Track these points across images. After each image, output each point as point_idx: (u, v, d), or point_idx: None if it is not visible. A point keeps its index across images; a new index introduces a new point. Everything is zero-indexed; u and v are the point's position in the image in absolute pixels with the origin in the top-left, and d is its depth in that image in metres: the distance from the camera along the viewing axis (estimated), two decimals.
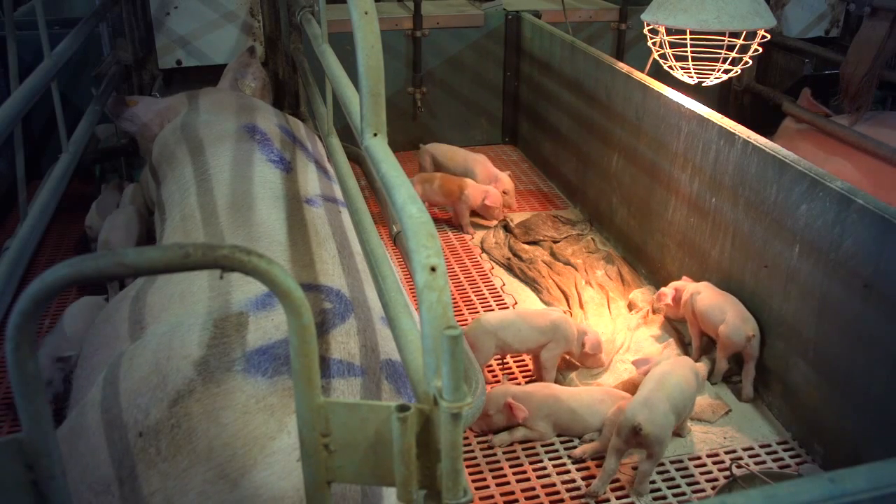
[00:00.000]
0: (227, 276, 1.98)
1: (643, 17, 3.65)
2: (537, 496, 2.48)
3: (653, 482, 2.52)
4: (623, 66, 3.84)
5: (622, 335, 3.17)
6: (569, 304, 3.40)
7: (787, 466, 2.60)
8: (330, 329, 1.84)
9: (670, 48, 3.65)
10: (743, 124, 3.04)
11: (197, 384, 1.65)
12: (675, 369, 2.61)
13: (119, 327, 2.08)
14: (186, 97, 3.45)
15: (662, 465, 2.59)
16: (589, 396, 2.72)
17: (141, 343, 1.88)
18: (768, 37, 3.63)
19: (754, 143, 2.86)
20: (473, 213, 4.19)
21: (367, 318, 1.97)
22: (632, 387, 2.78)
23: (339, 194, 2.79)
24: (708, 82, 3.71)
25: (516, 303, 3.53)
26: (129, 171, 4.16)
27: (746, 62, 3.60)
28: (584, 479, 2.54)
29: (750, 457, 2.64)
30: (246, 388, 1.64)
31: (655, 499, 2.46)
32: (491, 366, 3.07)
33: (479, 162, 4.37)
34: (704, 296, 2.97)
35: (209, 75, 4.06)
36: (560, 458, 2.63)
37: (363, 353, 1.83)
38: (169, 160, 3.02)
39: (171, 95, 3.56)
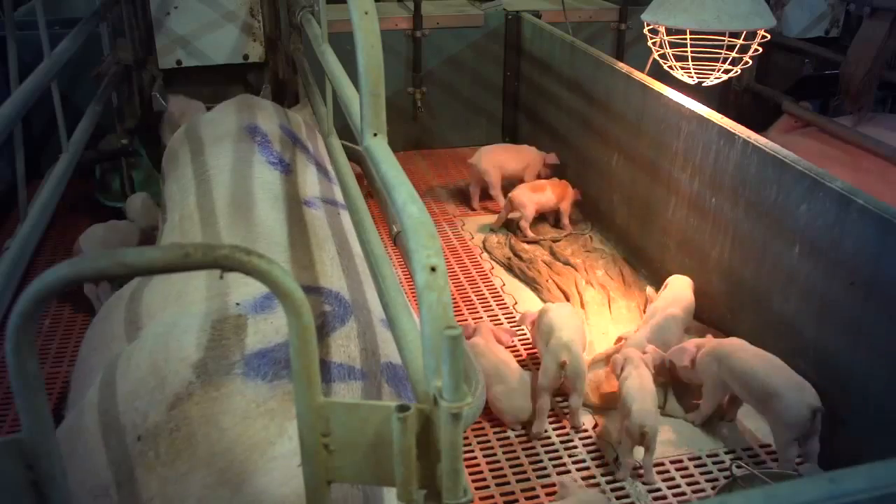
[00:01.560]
0: (224, 277, 1.98)
1: (643, 17, 3.65)
2: (537, 496, 2.48)
3: (653, 482, 2.52)
4: (623, 66, 3.84)
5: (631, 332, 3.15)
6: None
7: None
8: (330, 332, 1.83)
9: (670, 48, 3.65)
10: (743, 124, 3.04)
11: (196, 387, 1.64)
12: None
13: (115, 327, 2.07)
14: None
15: (662, 464, 2.59)
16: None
17: (137, 344, 1.86)
18: (768, 37, 3.63)
19: (754, 143, 2.86)
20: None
21: (366, 320, 1.96)
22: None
23: (338, 195, 2.78)
24: (708, 82, 3.71)
25: (516, 302, 3.53)
26: (129, 171, 4.16)
27: (746, 62, 3.59)
28: (584, 478, 2.54)
29: (750, 457, 2.64)
30: (246, 393, 1.63)
31: (655, 499, 2.46)
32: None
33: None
34: (741, 355, 2.57)
35: (209, 75, 4.06)
36: (560, 457, 2.63)
37: (363, 357, 1.82)
38: (173, 160, 3.03)
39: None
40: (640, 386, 2.59)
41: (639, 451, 2.54)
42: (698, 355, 2.69)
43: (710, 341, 2.74)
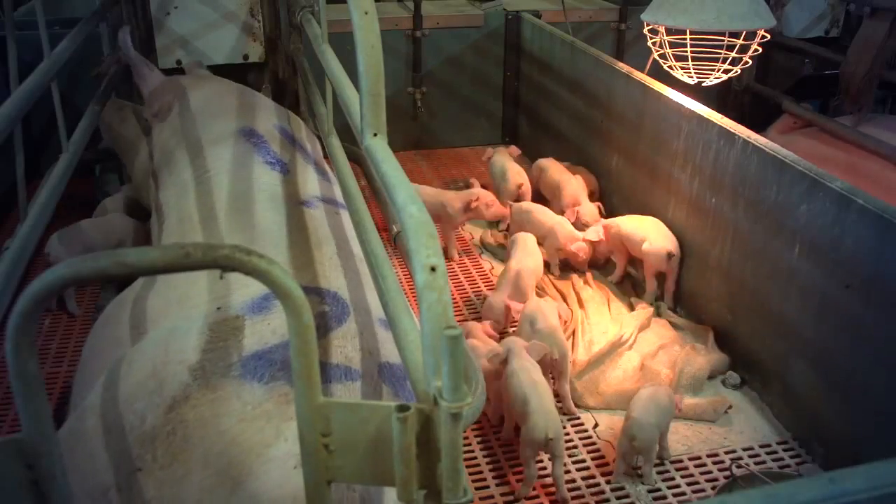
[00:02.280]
0: (224, 279, 1.98)
1: (643, 17, 3.65)
2: (537, 496, 2.48)
3: (653, 482, 2.52)
4: (623, 66, 3.84)
5: (629, 330, 3.15)
6: (567, 303, 3.40)
7: (787, 466, 2.60)
8: (327, 332, 1.83)
9: (670, 48, 3.65)
10: (743, 124, 3.04)
11: (192, 390, 1.64)
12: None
13: (119, 331, 2.07)
14: (178, 93, 3.42)
15: (662, 464, 2.59)
16: None
17: (138, 347, 1.87)
18: (768, 37, 3.63)
19: (754, 143, 2.86)
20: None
21: (364, 320, 1.96)
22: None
23: (338, 195, 2.78)
24: (708, 82, 3.71)
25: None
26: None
27: (746, 62, 3.59)
28: (583, 479, 2.54)
29: (750, 457, 2.64)
30: (242, 395, 1.63)
31: (655, 499, 2.46)
32: None
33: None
34: (628, 222, 3.47)
35: None
36: None
37: (361, 357, 1.81)
38: (167, 162, 3.02)
39: (165, 81, 3.54)
40: (649, 395, 2.58)
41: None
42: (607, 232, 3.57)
43: (611, 220, 3.59)
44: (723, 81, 3.76)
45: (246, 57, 4.12)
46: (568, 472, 2.57)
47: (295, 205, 2.50)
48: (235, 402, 1.61)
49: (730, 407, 2.82)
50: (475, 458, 2.63)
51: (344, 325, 1.87)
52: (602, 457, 2.63)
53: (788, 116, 4.49)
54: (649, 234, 3.36)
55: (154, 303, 2.08)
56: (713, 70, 3.63)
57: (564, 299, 3.44)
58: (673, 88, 3.47)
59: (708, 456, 2.64)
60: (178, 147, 3.02)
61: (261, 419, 1.59)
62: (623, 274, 3.58)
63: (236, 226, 2.36)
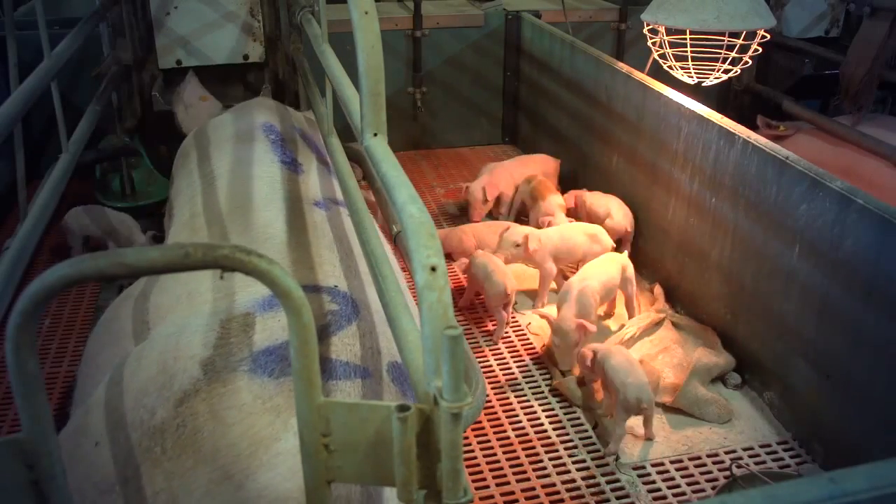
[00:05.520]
0: (233, 276, 1.98)
1: (643, 17, 3.65)
2: (537, 496, 2.48)
3: (653, 482, 2.52)
4: (623, 66, 3.84)
5: (631, 330, 3.15)
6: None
7: (787, 466, 2.60)
8: (337, 331, 1.85)
9: (670, 48, 3.65)
10: (743, 124, 3.04)
11: (203, 384, 1.65)
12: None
13: (124, 327, 2.08)
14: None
15: (662, 464, 2.59)
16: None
17: (147, 344, 1.88)
18: (768, 37, 3.63)
19: (754, 143, 2.86)
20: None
21: (373, 320, 1.97)
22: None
23: None
24: (708, 82, 3.71)
25: (516, 302, 3.52)
26: (129, 171, 4.16)
27: (746, 62, 3.60)
28: (583, 479, 2.54)
29: (750, 457, 2.64)
30: (252, 389, 1.64)
31: (655, 499, 2.46)
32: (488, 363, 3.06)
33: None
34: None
35: (209, 75, 4.06)
36: (560, 458, 2.63)
37: (370, 355, 1.83)
38: (184, 158, 3.05)
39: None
40: (627, 360, 2.70)
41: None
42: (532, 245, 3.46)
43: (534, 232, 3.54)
44: (723, 81, 3.76)
45: (246, 57, 4.13)
46: (568, 471, 2.57)
47: (307, 205, 2.52)
48: (246, 396, 1.63)
49: (729, 419, 2.81)
50: (475, 458, 2.63)
51: (353, 324, 1.89)
52: (602, 457, 2.63)
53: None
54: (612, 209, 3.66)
55: (160, 299, 2.09)
56: (713, 70, 3.63)
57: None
58: (673, 88, 3.47)
59: (708, 456, 2.64)
60: (195, 144, 3.06)
61: (270, 413, 1.61)
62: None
63: (246, 224, 2.37)
